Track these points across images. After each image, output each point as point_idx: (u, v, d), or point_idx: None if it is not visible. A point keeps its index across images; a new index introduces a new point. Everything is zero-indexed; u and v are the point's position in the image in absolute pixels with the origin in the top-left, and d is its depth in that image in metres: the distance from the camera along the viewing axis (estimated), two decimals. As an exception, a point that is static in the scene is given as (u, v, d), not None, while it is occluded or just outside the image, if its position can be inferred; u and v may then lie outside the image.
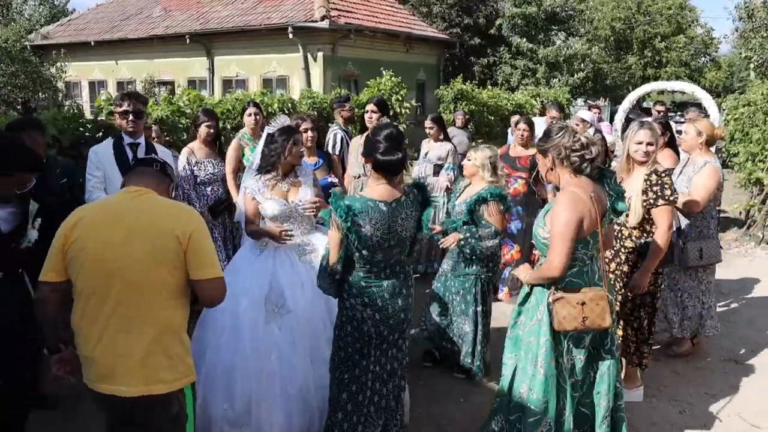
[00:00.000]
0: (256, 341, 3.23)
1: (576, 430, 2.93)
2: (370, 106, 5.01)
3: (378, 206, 2.74)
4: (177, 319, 2.31)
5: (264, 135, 3.57)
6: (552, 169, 2.88)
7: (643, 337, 3.83)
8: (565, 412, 2.88)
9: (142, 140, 4.04)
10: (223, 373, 3.22)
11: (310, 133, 4.47)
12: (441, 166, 6.13)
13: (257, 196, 3.45)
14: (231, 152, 5.07)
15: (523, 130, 5.61)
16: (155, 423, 2.32)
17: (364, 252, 2.76)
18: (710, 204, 4.24)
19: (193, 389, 2.43)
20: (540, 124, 6.53)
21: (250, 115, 5.23)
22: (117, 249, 2.18)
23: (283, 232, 3.37)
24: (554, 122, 6.74)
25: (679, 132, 6.41)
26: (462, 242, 3.99)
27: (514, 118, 8.88)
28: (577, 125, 6.81)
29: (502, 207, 4.07)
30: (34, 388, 3.45)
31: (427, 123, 6.37)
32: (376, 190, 2.79)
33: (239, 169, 5.00)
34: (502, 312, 5.03)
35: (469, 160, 4.13)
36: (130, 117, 3.92)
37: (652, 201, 3.56)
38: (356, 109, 9.67)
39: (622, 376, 3.98)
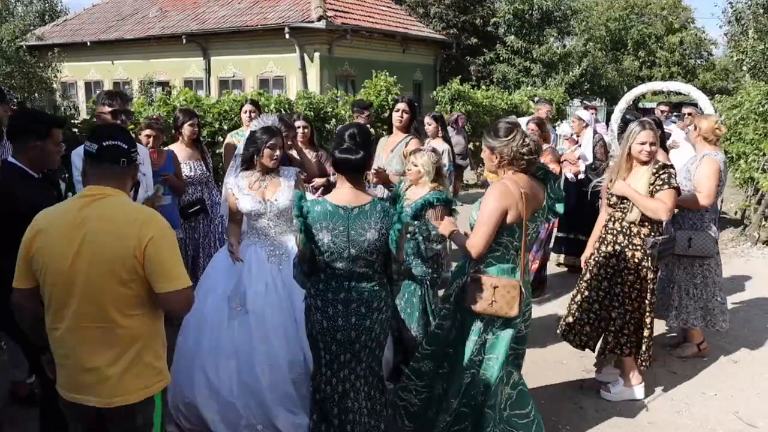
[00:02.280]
0: (215, 340, 3.30)
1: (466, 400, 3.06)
2: (402, 105, 5.01)
3: (337, 212, 2.64)
4: (143, 328, 2.20)
5: (237, 135, 3.58)
6: (500, 166, 2.98)
7: (643, 332, 3.85)
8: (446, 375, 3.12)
9: None
10: (185, 370, 3.33)
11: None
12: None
13: (235, 191, 3.48)
14: (227, 152, 5.22)
15: (532, 130, 5.55)
16: None
17: (323, 258, 2.68)
18: None
19: (163, 395, 2.35)
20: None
21: (246, 112, 5.36)
22: (75, 262, 2.10)
23: (236, 257, 3.38)
24: (548, 116, 6.78)
25: (668, 135, 6.45)
26: (409, 236, 3.88)
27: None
28: (574, 121, 6.84)
29: (447, 212, 3.91)
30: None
31: (427, 119, 6.29)
32: (338, 193, 2.70)
33: None
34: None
35: (415, 165, 4.01)
36: (122, 116, 3.86)
37: (658, 187, 3.68)
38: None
39: (617, 372, 4.03)
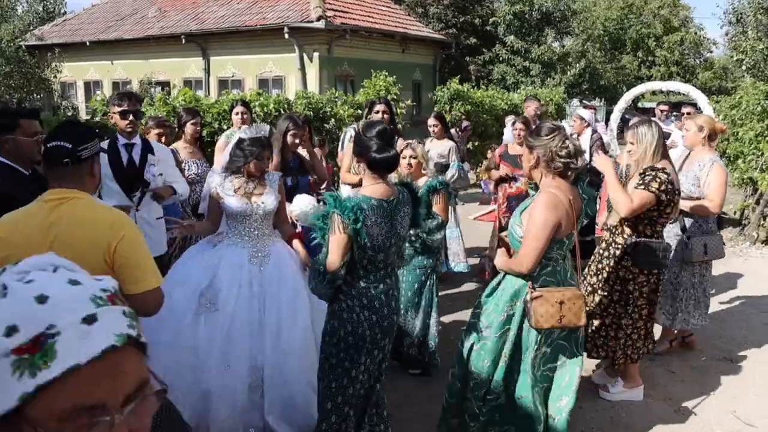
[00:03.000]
0: (177, 333, 3.25)
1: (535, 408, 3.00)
2: (381, 106, 5.02)
3: (381, 204, 2.69)
4: None
5: (236, 138, 3.59)
6: (535, 167, 2.91)
7: (637, 334, 3.84)
8: (525, 398, 2.98)
9: (137, 140, 4.00)
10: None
11: (296, 140, 4.55)
12: (444, 165, 6.15)
13: (219, 190, 3.47)
14: (218, 151, 5.26)
15: (520, 129, 5.76)
16: None
17: (370, 252, 2.68)
18: None
19: None
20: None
21: (237, 113, 5.38)
22: None
23: (179, 228, 3.41)
24: (536, 114, 6.83)
25: (667, 135, 6.46)
26: (413, 237, 4.00)
27: (509, 118, 8.88)
28: (575, 121, 6.83)
29: (447, 197, 4.12)
30: None
31: (431, 121, 6.39)
32: (375, 189, 2.73)
33: None
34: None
35: (414, 157, 4.13)
36: (130, 117, 3.87)
37: (634, 187, 3.58)
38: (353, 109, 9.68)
39: (617, 375, 4.04)
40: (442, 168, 6.11)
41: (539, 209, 2.77)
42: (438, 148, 6.20)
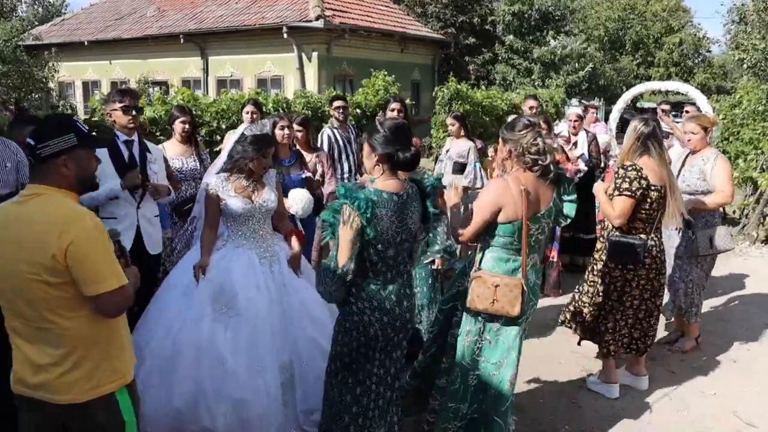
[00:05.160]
0: (198, 345, 3.16)
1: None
2: (397, 105, 5.11)
3: (392, 198, 2.66)
4: (88, 328, 2.13)
5: (237, 134, 3.52)
6: (507, 159, 3.05)
7: (626, 329, 3.91)
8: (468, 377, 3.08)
9: (135, 137, 3.96)
10: (164, 371, 3.15)
11: (286, 131, 4.54)
12: (462, 165, 6.13)
13: (220, 192, 3.37)
14: (225, 146, 5.27)
15: (543, 129, 5.74)
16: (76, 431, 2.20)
17: (379, 247, 2.65)
18: None
19: (130, 392, 2.27)
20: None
21: (248, 113, 5.41)
22: (4, 265, 2.07)
23: (200, 272, 3.30)
24: (533, 112, 6.84)
25: (666, 135, 6.47)
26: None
27: (510, 118, 8.82)
28: (575, 120, 6.79)
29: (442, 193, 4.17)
30: None
31: (449, 120, 6.50)
32: (387, 183, 2.70)
33: None
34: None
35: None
36: (132, 112, 3.85)
37: (612, 190, 3.69)
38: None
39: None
40: (461, 168, 6.10)
41: (485, 190, 3.07)
42: (457, 147, 6.21)
